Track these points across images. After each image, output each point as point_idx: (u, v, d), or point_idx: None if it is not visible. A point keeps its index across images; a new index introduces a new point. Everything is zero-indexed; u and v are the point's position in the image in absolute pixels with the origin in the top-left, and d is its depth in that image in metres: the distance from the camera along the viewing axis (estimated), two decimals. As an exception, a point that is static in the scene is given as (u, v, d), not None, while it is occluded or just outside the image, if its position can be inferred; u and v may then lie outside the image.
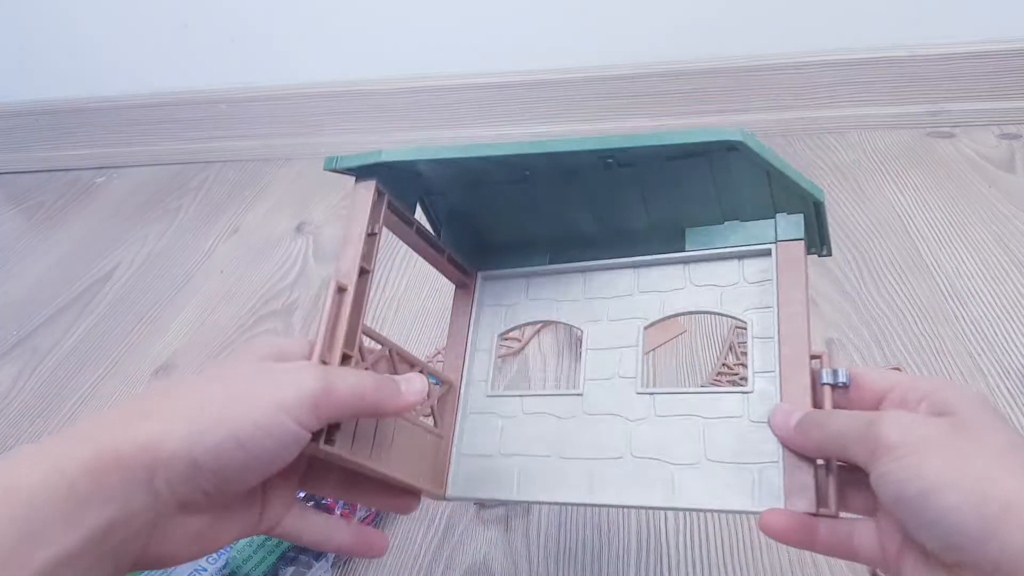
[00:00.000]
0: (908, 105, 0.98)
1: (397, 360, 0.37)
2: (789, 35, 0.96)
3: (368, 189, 0.34)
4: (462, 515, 0.55)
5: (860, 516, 0.30)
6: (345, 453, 0.30)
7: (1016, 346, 0.63)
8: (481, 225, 0.44)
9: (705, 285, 0.38)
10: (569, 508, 0.54)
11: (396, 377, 0.31)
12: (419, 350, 0.71)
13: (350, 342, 0.32)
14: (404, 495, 0.36)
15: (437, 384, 0.41)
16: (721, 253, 0.38)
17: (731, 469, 0.33)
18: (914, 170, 0.89)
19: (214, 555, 0.48)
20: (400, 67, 1.07)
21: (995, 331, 0.65)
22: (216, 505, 0.27)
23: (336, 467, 0.32)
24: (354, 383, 0.28)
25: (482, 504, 0.55)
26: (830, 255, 0.37)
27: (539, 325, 0.71)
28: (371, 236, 0.34)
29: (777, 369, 0.34)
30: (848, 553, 0.30)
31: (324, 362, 0.30)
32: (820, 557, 0.48)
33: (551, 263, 0.43)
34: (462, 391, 0.42)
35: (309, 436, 0.27)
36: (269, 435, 0.25)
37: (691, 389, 0.36)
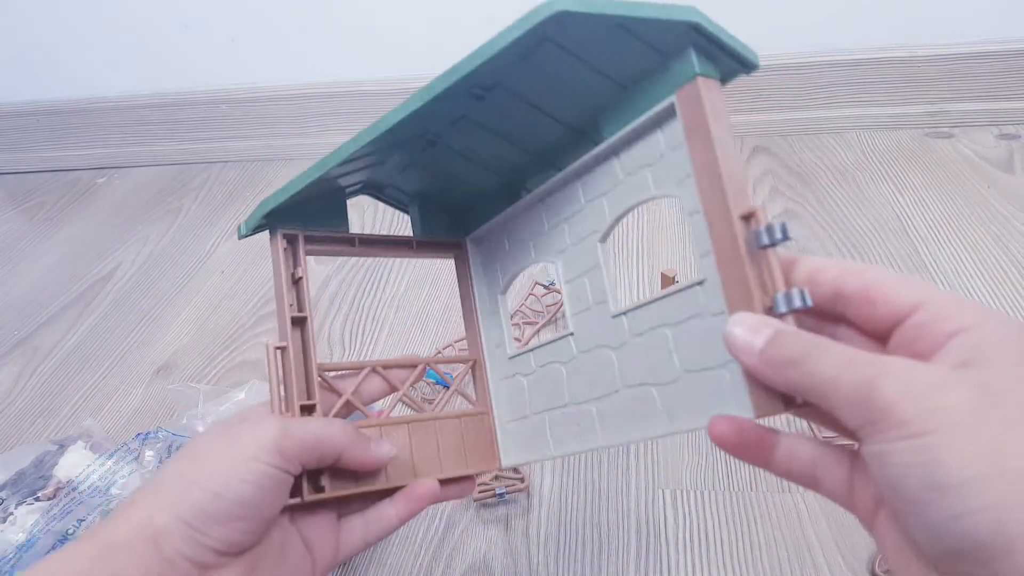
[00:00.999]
0: (907, 105, 0.98)
1: (384, 373, 0.38)
2: (789, 35, 0.97)
3: (276, 240, 0.36)
4: (462, 514, 0.55)
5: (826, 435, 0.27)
6: (340, 491, 0.32)
7: (1014, 346, 0.63)
8: (439, 193, 0.42)
9: (637, 170, 0.33)
10: (569, 506, 0.54)
11: (370, 437, 0.33)
12: (420, 350, 0.71)
13: (305, 393, 0.34)
14: (458, 482, 0.38)
15: (442, 384, 0.42)
16: (637, 128, 0.32)
17: (708, 376, 0.29)
18: (913, 170, 0.90)
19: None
20: (400, 67, 1.08)
21: (993, 331, 0.65)
22: (239, 560, 0.29)
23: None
24: (315, 427, 0.31)
25: (483, 503, 0.55)
26: (757, 68, 0.31)
27: (539, 324, 0.72)
28: (298, 281, 0.35)
29: (710, 248, 0.28)
30: (809, 482, 0.26)
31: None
32: (821, 557, 0.48)
33: (509, 204, 0.40)
34: (487, 361, 0.42)
35: (288, 476, 0.30)
36: (243, 480, 0.28)
37: (652, 296, 0.31)
